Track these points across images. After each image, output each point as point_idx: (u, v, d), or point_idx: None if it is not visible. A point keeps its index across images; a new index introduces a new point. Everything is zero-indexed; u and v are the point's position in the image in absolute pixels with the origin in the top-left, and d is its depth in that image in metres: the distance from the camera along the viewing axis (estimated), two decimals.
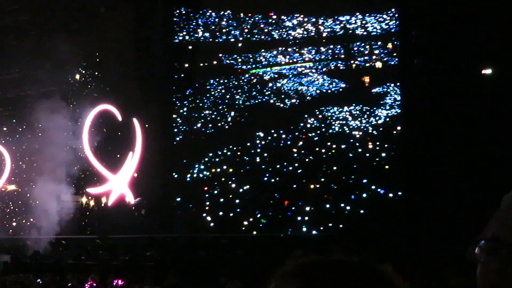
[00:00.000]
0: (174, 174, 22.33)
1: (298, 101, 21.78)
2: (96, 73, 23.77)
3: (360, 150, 20.40)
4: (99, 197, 23.18)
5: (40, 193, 22.48)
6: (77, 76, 24.08)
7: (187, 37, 22.86)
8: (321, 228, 19.53)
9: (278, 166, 21.28)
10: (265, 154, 21.59)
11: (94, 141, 23.20)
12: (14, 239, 22.85)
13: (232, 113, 22.30)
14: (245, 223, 20.82)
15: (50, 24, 23.02)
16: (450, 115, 16.88)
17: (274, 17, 22.09)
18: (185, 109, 22.79)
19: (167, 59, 22.87)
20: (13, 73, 24.39)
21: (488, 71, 17.48)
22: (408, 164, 18.35)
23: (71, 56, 22.57)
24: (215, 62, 22.71)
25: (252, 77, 22.37)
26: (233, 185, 21.49)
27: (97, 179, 23.13)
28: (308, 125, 21.26)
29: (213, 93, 22.62)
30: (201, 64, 22.92)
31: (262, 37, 22.29)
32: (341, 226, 19.31)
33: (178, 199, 22.29)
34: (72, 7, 22.95)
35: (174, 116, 22.73)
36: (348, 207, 19.80)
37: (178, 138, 22.73)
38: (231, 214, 21.08)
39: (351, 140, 20.57)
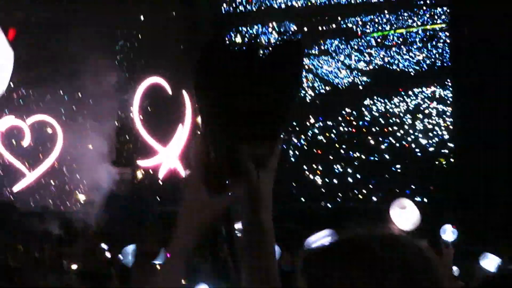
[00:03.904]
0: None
1: (425, 69, 20.40)
2: (144, 44, 23.63)
3: None
4: (150, 170, 23.08)
5: (91, 167, 22.49)
6: (126, 48, 23.98)
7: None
8: None
9: (399, 134, 19.96)
10: (383, 122, 20.55)
11: (144, 114, 23.09)
12: (66, 213, 22.89)
13: (351, 78, 21.41)
14: (357, 193, 20.09)
15: None
16: None
17: None
18: None
19: (216, 28, 22.59)
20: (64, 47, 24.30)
21: None
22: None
23: (120, 28, 22.43)
24: (334, 26, 21.89)
25: (374, 41, 21.24)
26: (348, 152, 20.68)
27: (147, 152, 23.01)
28: (437, 95, 19.99)
29: (333, 55, 21.80)
30: (320, 28, 22.06)
31: None
32: None
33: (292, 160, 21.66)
34: None
35: None
36: None
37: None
38: (344, 182, 20.25)
39: None
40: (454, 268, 7.26)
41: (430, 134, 19.76)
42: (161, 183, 22.73)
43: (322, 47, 21.51)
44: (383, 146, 20.16)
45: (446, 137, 19.66)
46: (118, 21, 22.49)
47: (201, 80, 1.60)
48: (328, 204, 19.76)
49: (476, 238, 12.81)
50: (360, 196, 19.83)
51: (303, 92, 21.50)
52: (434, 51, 20.29)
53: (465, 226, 13.47)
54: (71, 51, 23.56)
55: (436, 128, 19.77)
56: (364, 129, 20.54)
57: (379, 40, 21.08)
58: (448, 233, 6.83)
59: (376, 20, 21.08)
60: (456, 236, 6.82)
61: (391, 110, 20.31)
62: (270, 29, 22.47)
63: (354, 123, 20.71)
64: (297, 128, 21.34)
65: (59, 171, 24.90)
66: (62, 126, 24.73)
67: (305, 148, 21.13)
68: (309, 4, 21.74)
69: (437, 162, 19.55)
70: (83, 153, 23.20)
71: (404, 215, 4.70)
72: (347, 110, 20.90)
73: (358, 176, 20.00)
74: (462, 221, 14.51)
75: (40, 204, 23.40)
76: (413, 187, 19.60)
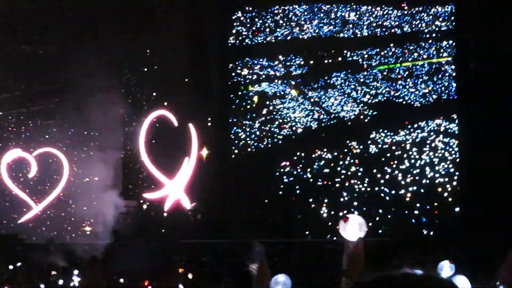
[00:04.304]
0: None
1: (431, 102, 20.37)
2: (151, 78, 23.75)
3: None
4: (156, 202, 23.06)
5: (96, 199, 22.48)
6: (133, 81, 24.09)
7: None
8: None
9: (404, 167, 19.80)
10: (388, 155, 20.49)
11: (150, 146, 23.12)
12: (70, 245, 22.82)
13: (357, 111, 21.38)
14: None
15: (107, 28, 23.02)
16: None
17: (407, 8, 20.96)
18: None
19: (223, 61, 22.71)
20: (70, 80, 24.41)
21: None
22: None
23: (126, 60, 22.55)
24: (340, 59, 21.95)
25: (380, 74, 21.23)
26: (354, 185, 20.60)
27: (153, 184, 23.01)
28: (442, 128, 20.00)
29: (338, 88, 21.79)
30: (326, 61, 22.11)
31: (392, 30, 21.12)
32: None
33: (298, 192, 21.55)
34: (128, 8, 22.97)
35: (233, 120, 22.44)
36: None
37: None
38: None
39: None
40: None
41: (436, 167, 19.75)
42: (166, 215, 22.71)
43: (328, 80, 21.62)
44: (388, 179, 20.13)
45: (452, 170, 19.62)
46: (125, 54, 22.63)
47: None
48: (334, 237, 19.67)
49: (479, 272, 12.73)
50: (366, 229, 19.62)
51: (309, 124, 21.63)
52: (440, 84, 20.33)
53: (468, 260, 13.42)
54: (77, 84, 23.69)
55: (442, 161, 19.73)
56: (370, 162, 20.54)
57: (385, 73, 21.16)
58: (446, 269, 6.79)
59: (382, 53, 21.19)
60: (454, 271, 6.77)
61: (397, 143, 20.33)
62: (276, 62, 22.60)
63: (360, 156, 20.72)
64: (303, 161, 21.39)
65: (65, 203, 24.88)
66: (68, 158, 24.78)
67: (311, 181, 21.14)
68: (315, 37, 21.89)
69: (443, 196, 19.48)
70: (90, 185, 23.19)
71: (350, 227, 4.73)
72: (353, 143, 20.93)
73: (364, 209, 19.97)
74: (465, 255, 14.46)
75: (46, 236, 23.37)
76: (419, 220, 19.52)
